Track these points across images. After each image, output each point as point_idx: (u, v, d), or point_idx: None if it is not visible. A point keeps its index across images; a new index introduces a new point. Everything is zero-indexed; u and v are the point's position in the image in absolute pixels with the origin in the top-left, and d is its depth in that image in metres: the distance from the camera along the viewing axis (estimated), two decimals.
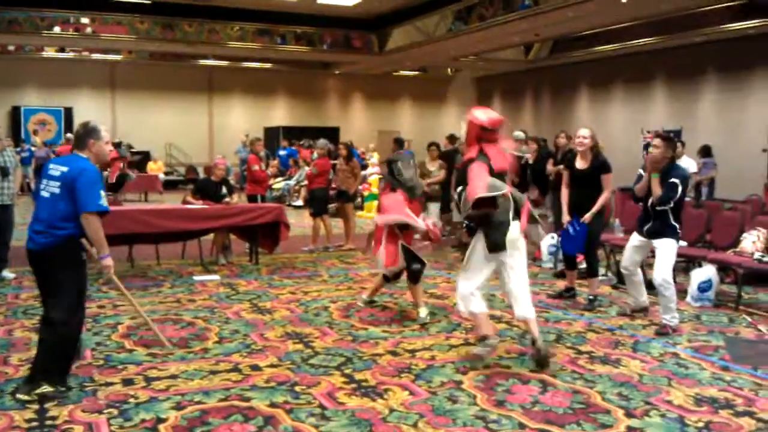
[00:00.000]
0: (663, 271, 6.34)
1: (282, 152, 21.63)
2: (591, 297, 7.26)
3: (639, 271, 6.85)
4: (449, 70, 29.36)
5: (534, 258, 10.01)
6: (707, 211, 8.62)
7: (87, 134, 4.71)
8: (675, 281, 8.14)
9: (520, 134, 12.29)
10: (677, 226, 6.41)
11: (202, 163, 24.95)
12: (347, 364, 5.24)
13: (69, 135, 17.09)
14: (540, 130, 21.64)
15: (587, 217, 7.08)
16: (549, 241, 9.55)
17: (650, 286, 7.20)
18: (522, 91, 27.92)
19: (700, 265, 8.02)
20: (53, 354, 4.52)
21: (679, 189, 6.29)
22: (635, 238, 6.71)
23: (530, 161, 10.61)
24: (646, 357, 5.56)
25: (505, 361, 5.38)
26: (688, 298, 7.53)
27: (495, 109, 29.40)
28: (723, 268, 8.05)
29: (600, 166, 7.15)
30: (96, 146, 4.71)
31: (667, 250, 6.40)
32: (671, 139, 6.64)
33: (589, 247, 7.32)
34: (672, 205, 6.29)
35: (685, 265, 8.94)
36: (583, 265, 7.75)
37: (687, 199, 9.97)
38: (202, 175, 21.49)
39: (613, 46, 21.13)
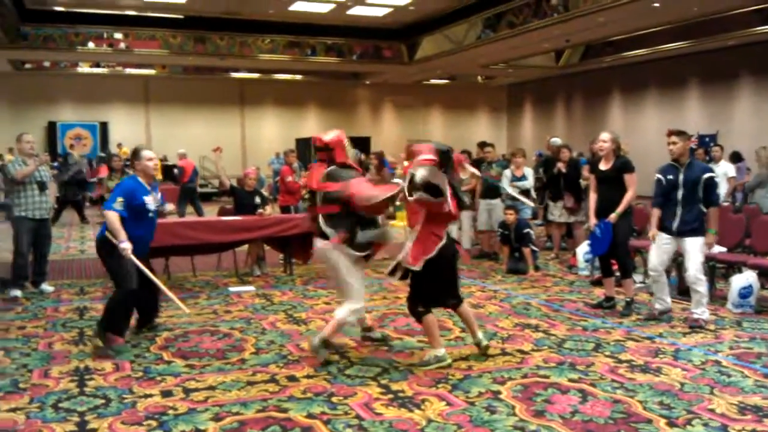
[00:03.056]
0: (696, 268, 6.58)
1: None
2: (627, 300, 7.18)
3: (664, 273, 6.90)
4: (479, 77, 29.32)
5: (570, 266, 9.94)
6: (746, 216, 8.47)
7: (132, 157, 6.27)
8: (715, 287, 8.07)
9: (557, 140, 12.23)
10: (704, 221, 6.65)
11: (234, 175, 25.15)
12: (383, 375, 5.23)
13: (181, 151, 17.88)
14: (572, 136, 21.56)
15: (612, 216, 7.04)
16: (585, 248, 9.45)
17: (683, 292, 7.33)
18: (553, 98, 27.80)
19: (740, 271, 7.88)
20: (106, 312, 5.93)
21: (717, 181, 6.66)
22: (662, 238, 6.77)
23: (563, 170, 10.54)
24: (687, 365, 5.46)
25: (543, 371, 5.32)
26: (729, 305, 7.40)
27: (526, 115, 29.32)
28: (764, 274, 7.90)
29: (621, 166, 7.14)
30: (140, 165, 6.11)
31: (697, 247, 6.60)
32: (684, 132, 6.85)
33: (619, 248, 7.24)
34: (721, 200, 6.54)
35: (724, 271, 8.79)
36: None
37: (725, 204, 9.89)
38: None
39: (646, 51, 20.99)
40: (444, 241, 5.39)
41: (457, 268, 5.82)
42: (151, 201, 6.03)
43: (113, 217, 5.76)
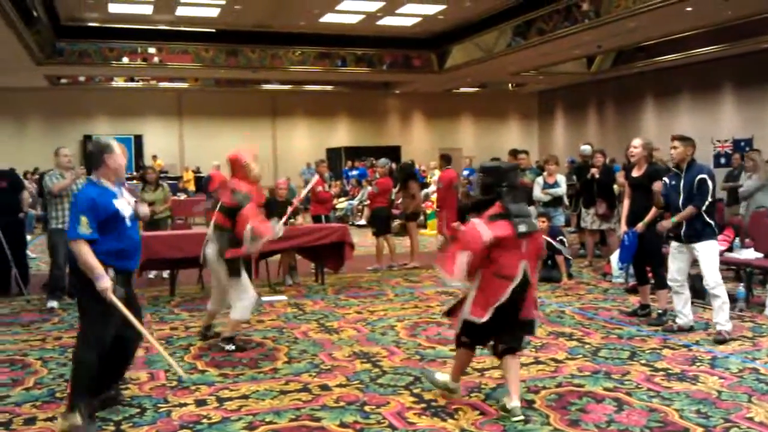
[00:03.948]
0: (712, 274, 6.38)
1: (353, 172, 21.88)
2: (660, 311, 7.08)
3: (687, 284, 6.68)
4: (510, 85, 29.20)
5: (604, 273, 9.84)
6: None
7: (102, 151, 4.56)
8: (752, 293, 7.94)
9: (587, 148, 12.12)
10: (713, 224, 6.42)
11: (266, 186, 25.30)
12: (416, 384, 5.21)
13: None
14: (605, 143, 21.33)
15: (639, 226, 6.95)
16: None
17: (698, 295, 7.24)
18: (585, 104, 27.59)
19: None
20: (72, 378, 4.52)
21: (710, 184, 6.34)
22: (674, 246, 6.65)
23: (596, 176, 10.44)
24: (724, 373, 5.37)
25: (577, 380, 5.27)
26: (766, 311, 7.27)
27: (558, 122, 28.99)
28: None
29: (653, 173, 7.04)
30: (112, 160, 4.55)
31: (709, 252, 6.41)
32: (688, 138, 6.65)
33: (650, 258, 7.14)
34: (709, 201, 6.31)
35: (762, 277, 8.66)
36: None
37: (761, 209, 9.71)
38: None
39: (678, 55, 20.75)
40: (518, 280, 4.48)
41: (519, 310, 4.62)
42: (123, 205, 4.56)
43: (81, 251, 4.29)
